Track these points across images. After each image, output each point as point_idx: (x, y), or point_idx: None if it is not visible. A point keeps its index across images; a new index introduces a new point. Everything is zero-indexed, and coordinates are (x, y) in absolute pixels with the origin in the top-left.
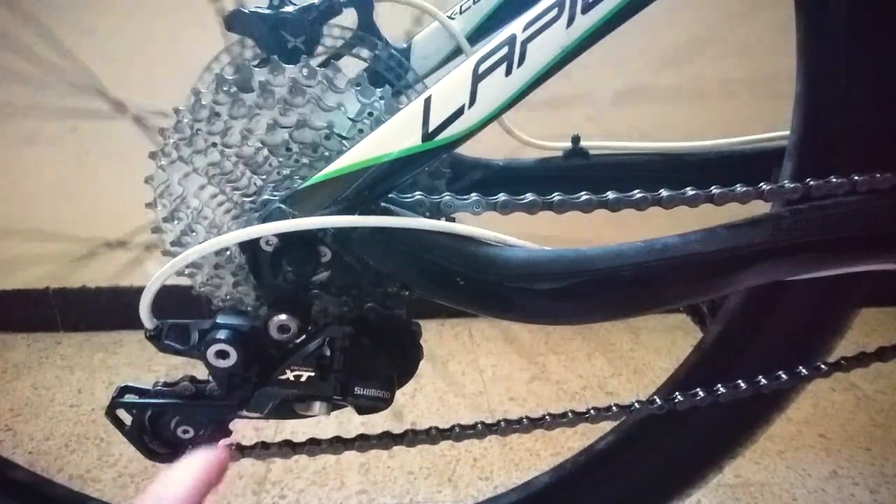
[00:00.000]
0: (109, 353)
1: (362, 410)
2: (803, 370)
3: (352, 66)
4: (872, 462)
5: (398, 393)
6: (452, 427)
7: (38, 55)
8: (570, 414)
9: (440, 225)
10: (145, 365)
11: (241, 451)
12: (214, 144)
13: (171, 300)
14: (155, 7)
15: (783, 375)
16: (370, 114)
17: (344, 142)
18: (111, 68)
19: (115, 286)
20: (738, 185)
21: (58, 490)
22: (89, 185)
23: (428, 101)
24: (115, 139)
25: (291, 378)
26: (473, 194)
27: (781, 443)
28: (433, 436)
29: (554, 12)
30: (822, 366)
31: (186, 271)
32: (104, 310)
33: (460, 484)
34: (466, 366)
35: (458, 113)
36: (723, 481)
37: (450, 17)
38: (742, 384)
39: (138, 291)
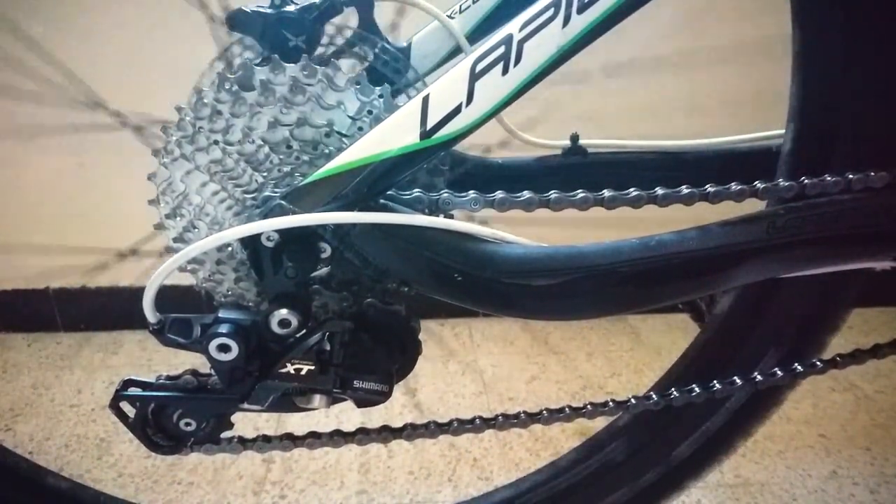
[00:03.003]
0: (109, 353)
1: (361, 403)
2: (799, 367)
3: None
4: (872, 462)
5: (398, 392)
6: (450, 422)
7: (32, 69)
8: (567, 409)
9: (438, 222)
10: (145, 365)
11: (242, 444)
12: (216, 142)
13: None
14: (148, 16)
15: (779, 372)
16: (370, 112)
17: (344, 139)
18: (106, 78)
19: (115, 286)
20: (732, 184)
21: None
22: (89, 185)
23: (426, 100)
24: (115, 140)
25: (292, 372)
26: (471, 192)
27: (781, 443)
28: (432, 430)
29: (550, 12)
30: (818, 362)
31: (189, 267)
32: (104, 310)
33: (460, 484)
34: (466, 366)
35: (456, 111)
36: (723, 481)
37: (449, 17)
38: (737, 380)
39: (138, 291)
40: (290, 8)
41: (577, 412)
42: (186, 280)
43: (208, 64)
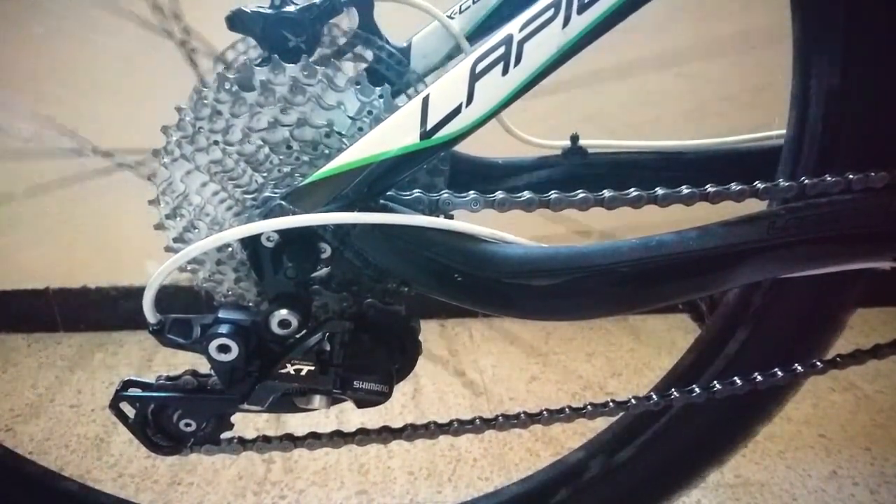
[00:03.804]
0: (109, 354)
1: (361, 404)
2: (800, 367)
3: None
4: (872, 462)
5: (398, 392)
6: (451, 422)
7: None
8: (567, 410)
9: (438, 222)
10: (145, 365)
11: (242, 444)
12: (216, 142)
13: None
14: (125, 48)
15: (779, 373)
16: (370, 112)
17: (344, 140)
18: (83, 111)
19: (115, 286)
20: (733, 184)
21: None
22: (89, 184)
23: (426, 100)
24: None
25: (292, 372)
26: (472, 192)
27: (781, 443)
28: (432, 430)
29: (550, 12)
30: (819, 363)
31: (189, 267)
32: (104, 310)
33: (460, 484)
34: (466, 366)
35: (456, 111)
36: (723, 481)
37: (449, 17)
38: (738, 381)
39: (139, 291)
40: (290, 8)
41: (577, 413)
42: (186, 280)
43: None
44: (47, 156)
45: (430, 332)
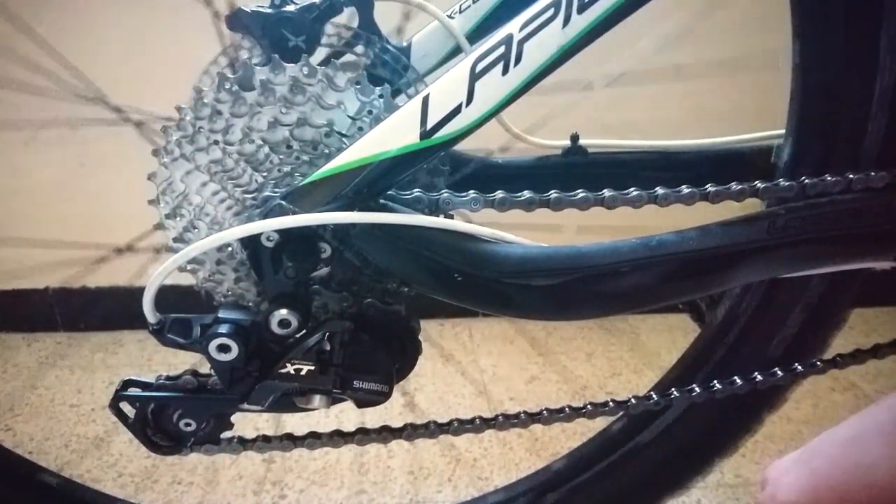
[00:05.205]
0: (109, 353)
1: (361, 404)
2: (799, 367)
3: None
4: None
5: (398, 392)
6: (450, 422)
7: (34, 62)
8: (567, 409)
9: (438, 221)
10: (145, 365)
11: (242, 444)
12: (216, 142)
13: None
14: (149, 10)
15: (779, 372)
16: (370, 112)
17: (344, 139)
18: (106, 71)
19: (115, 286)
20: (733, 184)
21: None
22: (90, 185)
23: (426, 100)
24: (116, 139)
25: (292, 372)
26: (472, 192)
27: (781, 443)
28: (432, 430)
29: (550, 12)
30: (818, 363)
31: (188, 267)
32: (104, 310)
33: (460, 484)
34: (466, 366)
35: (456, 111)
36: (723, 481)
37: (449, 16)
38: (738, 381)
39: (139, 291)
40: (290, 8)
41: (577, 412)
42: (186, 280)
43: (209, 63)
44: (57, 99)
45: (430, 331)
